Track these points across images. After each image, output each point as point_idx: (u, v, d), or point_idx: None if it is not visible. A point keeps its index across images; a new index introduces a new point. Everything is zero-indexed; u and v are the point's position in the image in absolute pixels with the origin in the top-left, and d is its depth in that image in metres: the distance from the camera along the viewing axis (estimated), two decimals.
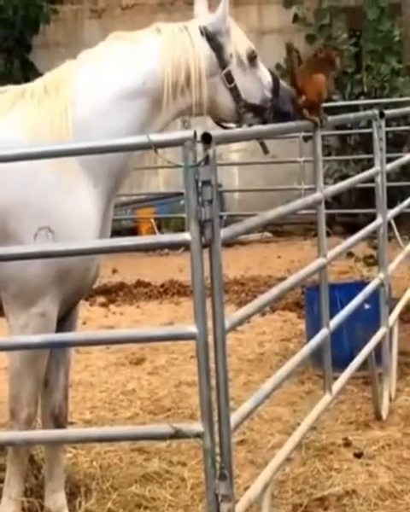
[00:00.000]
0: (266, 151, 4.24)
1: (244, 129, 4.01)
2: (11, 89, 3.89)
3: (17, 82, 4.69)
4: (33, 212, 3.64)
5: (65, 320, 3.95)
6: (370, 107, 10.31)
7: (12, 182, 3.64)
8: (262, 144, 4.22)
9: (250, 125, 4.08)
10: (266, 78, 4.00)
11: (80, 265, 3.73)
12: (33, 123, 3.73)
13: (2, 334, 3.78)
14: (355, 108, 11.05)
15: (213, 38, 3.87)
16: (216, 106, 3.95)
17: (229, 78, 3.88)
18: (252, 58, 3.95)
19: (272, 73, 4.03)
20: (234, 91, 3.89)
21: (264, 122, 4.03)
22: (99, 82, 3.80)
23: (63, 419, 4.07)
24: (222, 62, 3.87)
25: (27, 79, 4.86)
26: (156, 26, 3.91)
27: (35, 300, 3.69)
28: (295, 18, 14.07)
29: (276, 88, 3.99)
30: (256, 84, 3.96)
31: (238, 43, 3.91)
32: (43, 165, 3.56)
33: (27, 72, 13.27)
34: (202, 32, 3.88)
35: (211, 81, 3.87)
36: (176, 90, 3.82)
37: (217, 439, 3.06)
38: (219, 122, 4.09)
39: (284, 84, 4.06)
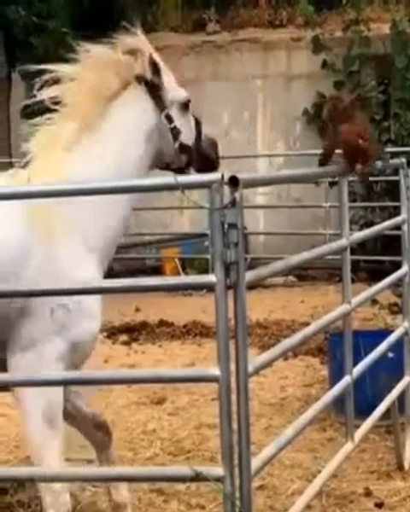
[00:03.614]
0: None
1: (271, 173, 4.05)
2: (19, 175, 3.98)
3: None
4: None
5: None
6: (397, 154, 10.33)
7: (31, 267, 3.78)
8: None
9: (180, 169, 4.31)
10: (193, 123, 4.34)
11: (89, 343, 3.93)
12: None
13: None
14: None
15: (152, 88, 4.18)
16: (161, 147, 4.22)
17: (169, 120, 4.20)
18: (186, 104, 4.29)
19: (195, 119, 4.36)
20: (174, 130, 4.20)
21: (188, 164, 4.31)
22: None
23: (106, 426, 4.27)
24: (162, 106, 4.20)
25: None
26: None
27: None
28: (324, 64, 14.20)
29: (199, 132, 4.33)
30: (189, 126, 4.30)
31: (174, 90, 4.26)
32: (55, 248, 3.77)
33: None
34: (143, 82, 4.16)
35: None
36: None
37: (237, 483, 3.04)
38: (162, 167, 4.37)
39: (204, 132, 4.39)
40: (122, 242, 4.39)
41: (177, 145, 4.23)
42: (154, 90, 4.17)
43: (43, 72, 4.07)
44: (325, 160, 4.34)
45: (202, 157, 4.32)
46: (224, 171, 3.07)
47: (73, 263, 3.86)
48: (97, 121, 4.07)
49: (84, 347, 3.90)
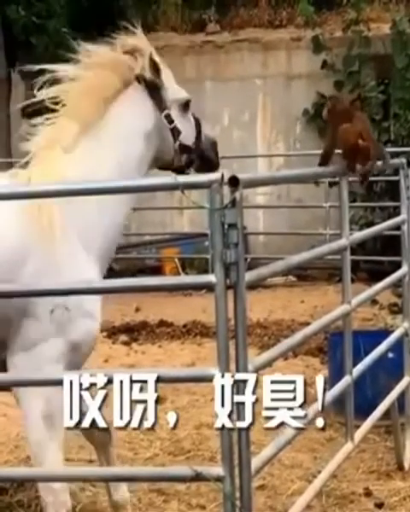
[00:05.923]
0: None
1: (271, 173, 4.06)
2: (20, 175, 4.01)
3: None
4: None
5: None
6: (397, 155, 10.34)
7: (30, 268, 3.79)
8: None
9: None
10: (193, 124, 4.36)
11: (89, 342, 3.92)
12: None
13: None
14: None
15: (152, 88, 4.20)
16: (161, 147, 4.24)
17: (169, 120, 4.21)
18: (187, 104, 4.32)
19: (195, 119, 4.36)
20: (174, 130, 4.22)
21: (189, 164, 4.32)
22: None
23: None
24: (162, 106, 4.21)
25: None
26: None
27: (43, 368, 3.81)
28: (324, 64, 14.20)
29: (199, 132, 4.34)
30: (190, 126, 4.31)
31: (174, 90, 4.29)
32: (54, 249, 3.76)
33: None
34: (143, 82, 4.17)
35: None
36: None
37: (237, 483, 3.04)
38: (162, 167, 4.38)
39: (206, 131, 4.40)
40: (122, 242, 4.41)
41: (177, 145, 4.25)
42: (154, 89, 4.19)
43: (43, 71, 4.07)
44: (324, 160, 4.38)
45: (202, 157, 4.35)
46: (224, 171, 3.07)
47: (72, 263, 3.87)
48: (97, 121, 4.08)
49: (83, 347, 3.91)
